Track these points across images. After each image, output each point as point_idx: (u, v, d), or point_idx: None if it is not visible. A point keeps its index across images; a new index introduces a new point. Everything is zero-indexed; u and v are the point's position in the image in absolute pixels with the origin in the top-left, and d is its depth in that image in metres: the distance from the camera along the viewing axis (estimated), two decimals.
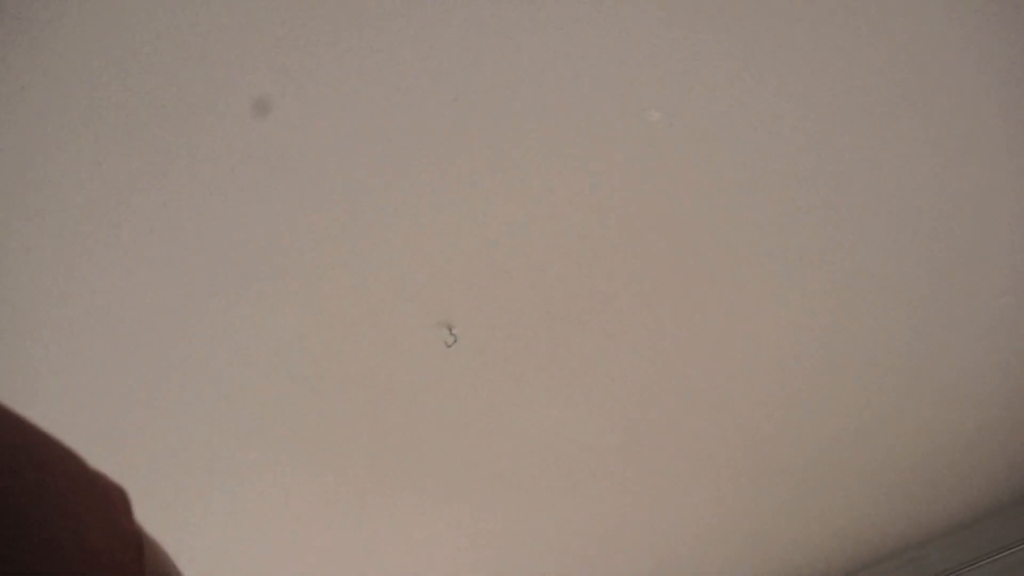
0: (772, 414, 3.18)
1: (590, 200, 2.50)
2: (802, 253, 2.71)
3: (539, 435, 3.07)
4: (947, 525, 3.93)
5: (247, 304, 2.57)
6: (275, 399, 2.81)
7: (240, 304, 2.56)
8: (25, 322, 2.46)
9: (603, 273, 2.67)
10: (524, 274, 2.64)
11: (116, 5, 1.93)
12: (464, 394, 2.89)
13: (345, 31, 2.05)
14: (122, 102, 2.09)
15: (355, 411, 2.88)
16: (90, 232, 2.33)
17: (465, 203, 2.44)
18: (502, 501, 3.27)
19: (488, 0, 2.02)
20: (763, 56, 2.24)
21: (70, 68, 2.01)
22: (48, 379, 2.60)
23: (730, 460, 3.33)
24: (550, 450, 3.13)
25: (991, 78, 2.34)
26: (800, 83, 2.31)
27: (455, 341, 2.72)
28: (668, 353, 2.93)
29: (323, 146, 2.27)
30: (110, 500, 0.70)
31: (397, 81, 2.16)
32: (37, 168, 2.18)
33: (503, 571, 3.52)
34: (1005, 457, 3.56)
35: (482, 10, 2.04)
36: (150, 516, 3.04)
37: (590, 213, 2.53)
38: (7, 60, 1.98)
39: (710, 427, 3.19)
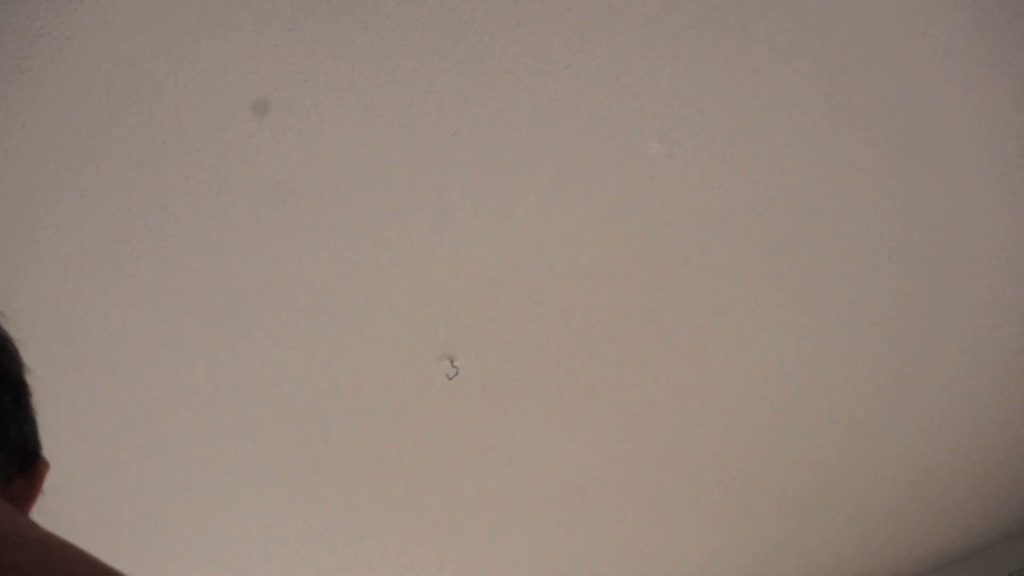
0: (774, 444, 3.18)
1: (589, 233, 2.50)
2: (801, 281, 2.71)
3: (540, 467, 3.06)
4: (944, 556, 3.92)
5: (246, 337, 2.57)
6: (274, 431, 2.80)
7: (239, 337, 2.56)
8: (26, 355, 2.45)
9: (603, 306, 2.67)
10: (525, 307, 2.64)
11: (116, 42, 1.94)
12: (465, 426, 2.89)
13: (345, 70, 2.05)
14: (123, 136, 2.10)
15: (356, 443, 2.88)
16: (92, 266, 2.33)
17: (465, 236, 2.44)
18: (503, 533, 3.26)
19: (487, 35, 2.02)
20: (763, 89, 2.24)
21: (71, 103, 2.02)
22: (48, 412, 2.60)
23: (732, 491, 3.32)
24: (551, 482, 3.12)
25: (982, 117, 2.35)
26: (801, 115, 2.31)
27: (456, 374, 2.72)
28: (669, 386, 2.92)
29: (323, 181, 2.28)
30: None
31: (398, 117, 2.17)
32: (39, 203, 2.19)
33: None
34: (1003, 488, 3.55)
35: (481, 45, 2.05)
36: (144, 550, 3.03)
37: (590, 246, 2.53)
38: (8, 96, 1.99)
39: (711, 460, 3.19)
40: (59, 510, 1.10)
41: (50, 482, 1.06)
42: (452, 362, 2.70)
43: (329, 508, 3.05)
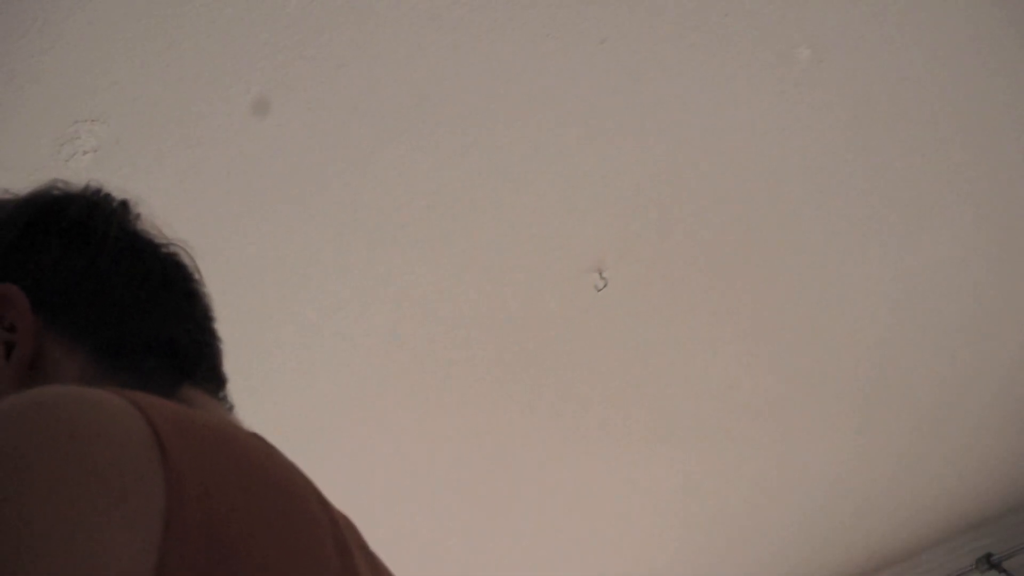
0: (929, 352, 3.13)
1: (740, 142, 2.49)
2: (943, 186, 2.67)
3: (689, 380, 3.06)
4: None
5: (397, 250, 2.61)
6: (426, 346, 2.85)
7: (389, 251, 2.61)
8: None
9: (750, 215, 2.66)
10: (673, 217, 2.64)
11: None
12: (614, 339, 2.91)
13: None
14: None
15: (503, 357, 2.91)
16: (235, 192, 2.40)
17: (613, 146, 2.45)
18: (651, 447, 3.28)
19: None
20: None
21: None
22: None
23: (886, 400, 3.28)
24: (699, 395, 3.12)
25: None
26: (948, 21, 2.27)
27: (605, 285, 2.74)
28: (817, 296, 2.90)
29: (470, 94, 2.31)
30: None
31: (544, 28, 2.18)
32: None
33: (653, 520, 3.53)
34: None
35: None
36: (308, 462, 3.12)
37: (738, 154, 2.52)
38: None
39: (863, 370, 3.15)
40: None
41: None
42: (601, 274, 2.72)
43: (475, 423, 3.09)
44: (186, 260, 1.12)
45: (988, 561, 3.96)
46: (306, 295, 2.67)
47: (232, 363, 1.13)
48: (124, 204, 1.10)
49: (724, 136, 2.47)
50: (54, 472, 0.69)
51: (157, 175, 2.28)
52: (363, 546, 0.94)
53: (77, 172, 2.11)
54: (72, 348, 0.98)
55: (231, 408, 1.09)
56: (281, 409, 2.94)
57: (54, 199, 1.08)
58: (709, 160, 2.52)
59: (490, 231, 2.61)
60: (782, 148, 2.52)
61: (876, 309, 2.97)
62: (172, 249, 1.10)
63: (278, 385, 2.86)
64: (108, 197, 1.10)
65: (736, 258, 2.76)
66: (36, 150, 2.15)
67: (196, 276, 1.12)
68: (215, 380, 1.08)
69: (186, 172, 2.33)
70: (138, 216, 1.10)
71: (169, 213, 1.11)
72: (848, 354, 3.10)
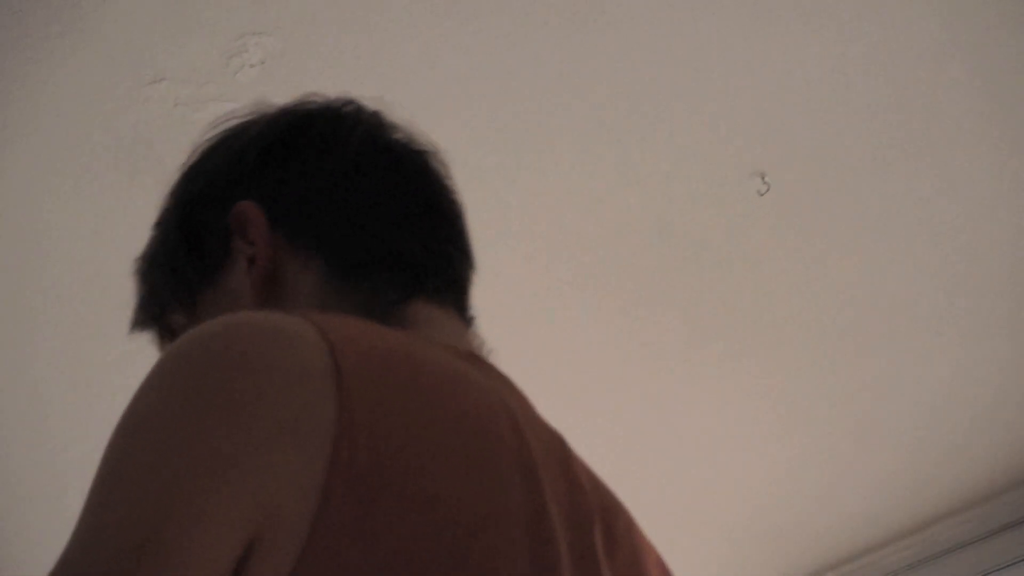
0: None
1: (903, 43, 2.43)
2: None
3: (853, 287, 3.00)
4: None
5: (557, 156, 2.62)
6: (586, 252, 2.85)
7: (551, 156, 2.61)
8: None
9: (926, 117, 2.59)
10: (837, 121, 2.58)
11: None
12: (775, 243, 2.86)
13: None
14: None
15: (665, 261, 2.90)
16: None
17: (778, 48, 2.41)
18: (812, 355, 3.23)
19: None
20: None
21: None
22: None
23: None
24: (862, 301, 3.06)
25: None
26: None
27: (768, 190, 2.70)
28: (985, 207, 2.81)
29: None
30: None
31: None
32: None
33: (809, 427, 3.49)
34: None
35: None
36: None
37: (902, 57, 2.46)
38: None
39: None
40: None
41: None
42: (763, 178, 2.68)
43: (636, 330, 3.09)
44: (435, 167, 1.11)
45: None
46: (471, 200, 2.69)
47: None
48: (375, 115, 1.11)
49: (891, 36, 2.41)
50: (223, 401, 0.71)
51: (324, 87, 2.32)
52: (565, 465, 0.93)
53: (244, 85, 2.17)
54: (308, 263, 1.00)
55: (471, 320, 1.10)
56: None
57: (300, 114, 1.10)
58: (874, 60, 2.46)
59: (651, 135, 2.59)
60: (941, 55, 2.45)
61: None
62: (420, 159, 1.10)
63: None
64: (358, 109, 1.11)
65: (909, 162, 2.69)
66: (205, 64, 2.21)
67: (444, 183, 1.12)
68: (452, 292, 1.08)
69: (353, 83, 2.37)
70: (392, 126, 1.11)
71: None
72: None
